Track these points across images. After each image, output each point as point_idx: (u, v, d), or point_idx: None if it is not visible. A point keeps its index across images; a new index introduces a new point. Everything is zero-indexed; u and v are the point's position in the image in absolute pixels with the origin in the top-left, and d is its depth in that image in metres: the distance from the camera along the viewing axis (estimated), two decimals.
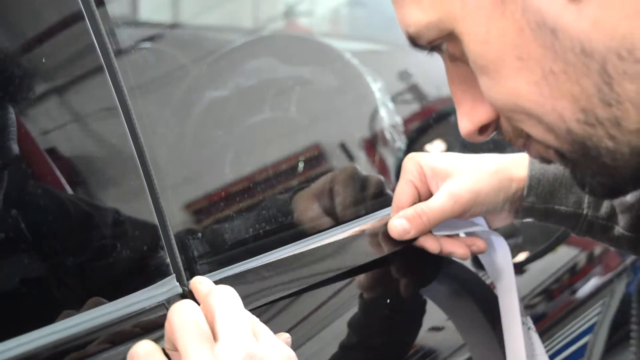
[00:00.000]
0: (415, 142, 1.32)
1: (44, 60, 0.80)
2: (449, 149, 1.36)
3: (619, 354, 1.54)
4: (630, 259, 1.60)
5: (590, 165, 0.69)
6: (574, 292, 1.43)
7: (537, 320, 1.33)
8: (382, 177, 1.13)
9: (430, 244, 1.01)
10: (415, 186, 1.02)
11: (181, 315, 0.68)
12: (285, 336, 0.77)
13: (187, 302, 0.70)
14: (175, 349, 0.68)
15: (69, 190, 0.81)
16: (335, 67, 1.31)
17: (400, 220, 0.99)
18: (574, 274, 1.47)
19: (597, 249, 1.58)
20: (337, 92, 1.29)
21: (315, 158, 1.15)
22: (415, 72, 1.42)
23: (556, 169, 1.02)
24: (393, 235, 0.99)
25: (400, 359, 1.01)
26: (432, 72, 1.47)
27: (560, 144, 0.70)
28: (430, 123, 1.36)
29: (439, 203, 0.98)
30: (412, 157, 1.04)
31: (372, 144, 1.27)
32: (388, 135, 1.29)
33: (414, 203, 1.01)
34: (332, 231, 1.03)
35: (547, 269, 1.37)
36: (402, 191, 1.02)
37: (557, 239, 1.46)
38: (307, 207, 1.03)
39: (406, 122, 1.34)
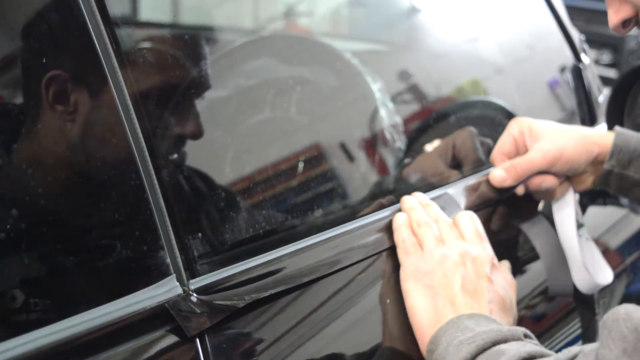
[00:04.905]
0: (415, 142, 1.32)
1: (44, 61, 0.80)
2: None
3: None
4: (630, 258, 1.60)
5: None
6: (574, 292, 1.43)
7: (537, 320, 1.33)
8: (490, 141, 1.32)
9: (518, 189, 1.26)
10: (515, 139, 1.24)
11: (422, 219, 1.07)
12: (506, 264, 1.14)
13: (420, 211, 1.09)
14: None
15: (69, 190, 0.81)
16: (335, 67, 1.31)
17: (499, 171, 1.22)
18: None
19: None
20: (337, 92, 1.29)
21: (315, 158, 1.15)
22: (415, 72, 1.42)
23: (637, 142, 1.22)
24: (493, 182, 1.22)
25: None
26: (432, 72, 1.47)
27: None
28: (430, 123, 1.35)
29: (530, 157, 1.21)
30: (517, 119, 1.27)
31: (372, 144, 1.27)
32: (388, 135, 1.29)
33: (511, 151, 1.24)
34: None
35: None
36: (504, 140, 1.25)
37: None
38: (432, 164, 1.27)
39: (406, 122, 1.33)
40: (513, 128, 1.26)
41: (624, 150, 1.22)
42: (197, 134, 0.99)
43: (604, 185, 1.26)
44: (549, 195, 1.28)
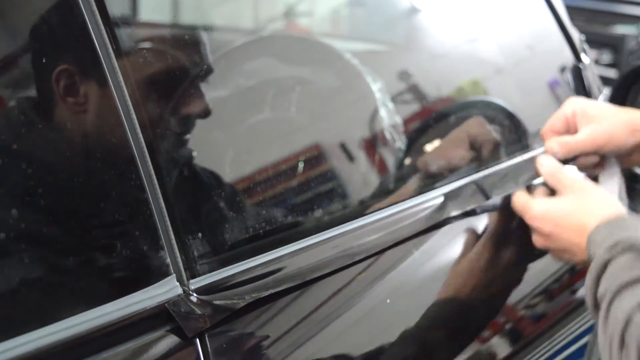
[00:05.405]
0: (415, 142, 1.32)
1: (44, 61, 0.80)
2: None
3: None
4: None
5: None
6: (574, 292, 1.43)
7: (537, 320, 1.33)
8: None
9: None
10: (567, 118, 1.31)
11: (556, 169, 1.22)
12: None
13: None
14: None
15: (68, 190, 0.81)
16: (335, 67, 1.31)
17: (554, 143, 1.29)
18: (574, 274, 1.47)
19: None
20: (337, 92, 1.29)
21: (315, 158, 1.15)
22: (415, 72, 1.42)
23: None
24: (547, 151, 1.29)
25: None
26: (432, 72, 1.47)
27: None
28: (430, 123, 1.35)
29: (580, 138, 1.28)
30: (573, 98, 1.33)
31: (372, 144, 1.27)
32: (388, 135, 1.29)
33: (561, 129, 1.31)
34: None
35: (547, 269, 1.37)
36: (557, 117, 1.32)
37: None
38: (456, 152, 1.33)
39: (406, 122, 1.33)
40: (567, 107, 1.32)
41: None
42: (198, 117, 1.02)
43: None
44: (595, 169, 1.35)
